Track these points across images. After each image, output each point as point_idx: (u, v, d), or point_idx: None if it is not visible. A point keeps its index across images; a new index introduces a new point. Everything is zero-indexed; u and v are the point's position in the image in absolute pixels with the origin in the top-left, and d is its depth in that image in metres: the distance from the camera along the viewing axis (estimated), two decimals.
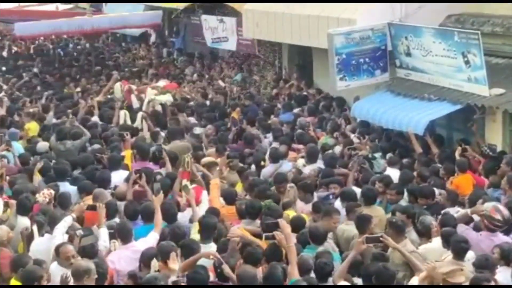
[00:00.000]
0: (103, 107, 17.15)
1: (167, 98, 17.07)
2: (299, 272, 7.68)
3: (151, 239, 8.62)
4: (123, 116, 15.84)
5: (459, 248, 8.05)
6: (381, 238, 7.90)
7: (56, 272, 7.80)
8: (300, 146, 13.66)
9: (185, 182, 10.33)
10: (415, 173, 11.41)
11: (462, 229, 8.70)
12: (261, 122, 15.51)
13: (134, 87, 18.35)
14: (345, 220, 9.54)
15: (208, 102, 18.33)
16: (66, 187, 10.92)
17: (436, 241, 8.68)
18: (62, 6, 30.13)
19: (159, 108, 16.77)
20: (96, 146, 13.47)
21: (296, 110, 16.33)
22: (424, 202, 10.12)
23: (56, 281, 7.66)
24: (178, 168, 11.55)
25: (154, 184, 10.58)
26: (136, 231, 9.01)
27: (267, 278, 7.39)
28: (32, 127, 15.35)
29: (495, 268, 7.85)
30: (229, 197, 10.23)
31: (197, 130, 15.14)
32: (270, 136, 14.60)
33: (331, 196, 10.66)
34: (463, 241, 8.16)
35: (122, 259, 8.34)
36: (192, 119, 16.43)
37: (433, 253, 8.42)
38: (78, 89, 20.85)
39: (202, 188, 10.63)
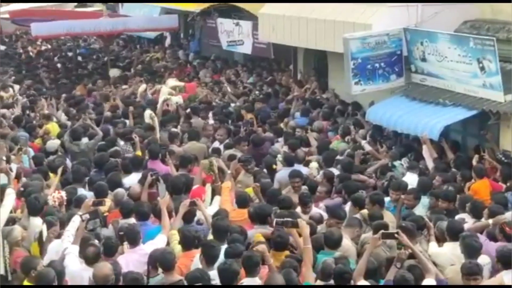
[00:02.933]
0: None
1: (177, 100, 17.17)
2: (321, 277, 7.70)
3: (159, 242, 8.63)
4: (148, 116, 15.76)
5: (471, 249, 8.14)
6: (396, 235, 7.92)
7: (80, 273, 7.86)
8: (312, 149, 13.73)
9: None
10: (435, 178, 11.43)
11: (482, 240, 8.69)
12: (272, 125, 15.54)
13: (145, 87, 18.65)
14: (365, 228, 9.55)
15: (233, 105, 18.40)
16: (82, 192, 10.91)
17: (447, 246, 8.71)
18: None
19: (171, 108, 16.94)
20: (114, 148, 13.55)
21: (312, 114, 16.37)
22: (446, 205, 10.14)
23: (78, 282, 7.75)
24: (193, 169, 11.73)
25: (159, 185, 10.73)
26: (150, 232, 9.07)
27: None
28: (52, 128, 15.41)
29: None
30: (242, 201, 10.17)
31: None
32: (281, 140, 14.59)
33: (342, 205, 10.60)
34: (475, 241, 8.27)
35: (130, 262, 8.32)
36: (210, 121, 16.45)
37: (442, 257, 8.50)
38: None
39: (204, 188, 10.76)
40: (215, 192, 10.83)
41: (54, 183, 11.30)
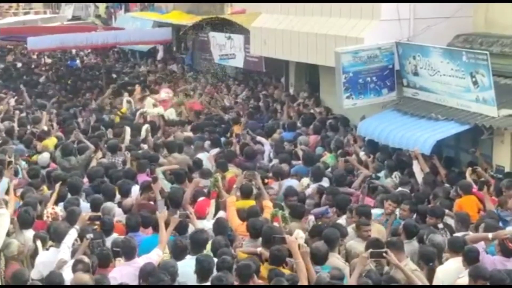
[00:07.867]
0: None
1: (159, 110, 17.03)
2: None
3: (154, 256, 8.55)
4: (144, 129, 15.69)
5: (470, 258, 8.13)
6: (384, 254, 7.89)
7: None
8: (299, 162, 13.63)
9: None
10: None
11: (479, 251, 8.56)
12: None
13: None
14: (354, 237, 9.55)
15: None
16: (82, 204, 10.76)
17: (453, 262, 8.51)
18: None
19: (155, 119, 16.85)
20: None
21: (300, 129, 16.23)
22: (433, 221, 10.00)
23: None
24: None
25: (158, 201, 10.63)
26: (142, 242, 9.09)
27: None
28: (51, 143, 15.17)
29: None
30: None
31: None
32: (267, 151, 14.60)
33: (328, 211, 10.63)
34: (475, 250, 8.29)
35: (125, 275, 8.26)
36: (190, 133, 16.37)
37: (449, 275, 8.30)
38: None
39: (209, 201, 10.70)
40: (219, 207, 10.76)
41: (52, 198, 11.10)
